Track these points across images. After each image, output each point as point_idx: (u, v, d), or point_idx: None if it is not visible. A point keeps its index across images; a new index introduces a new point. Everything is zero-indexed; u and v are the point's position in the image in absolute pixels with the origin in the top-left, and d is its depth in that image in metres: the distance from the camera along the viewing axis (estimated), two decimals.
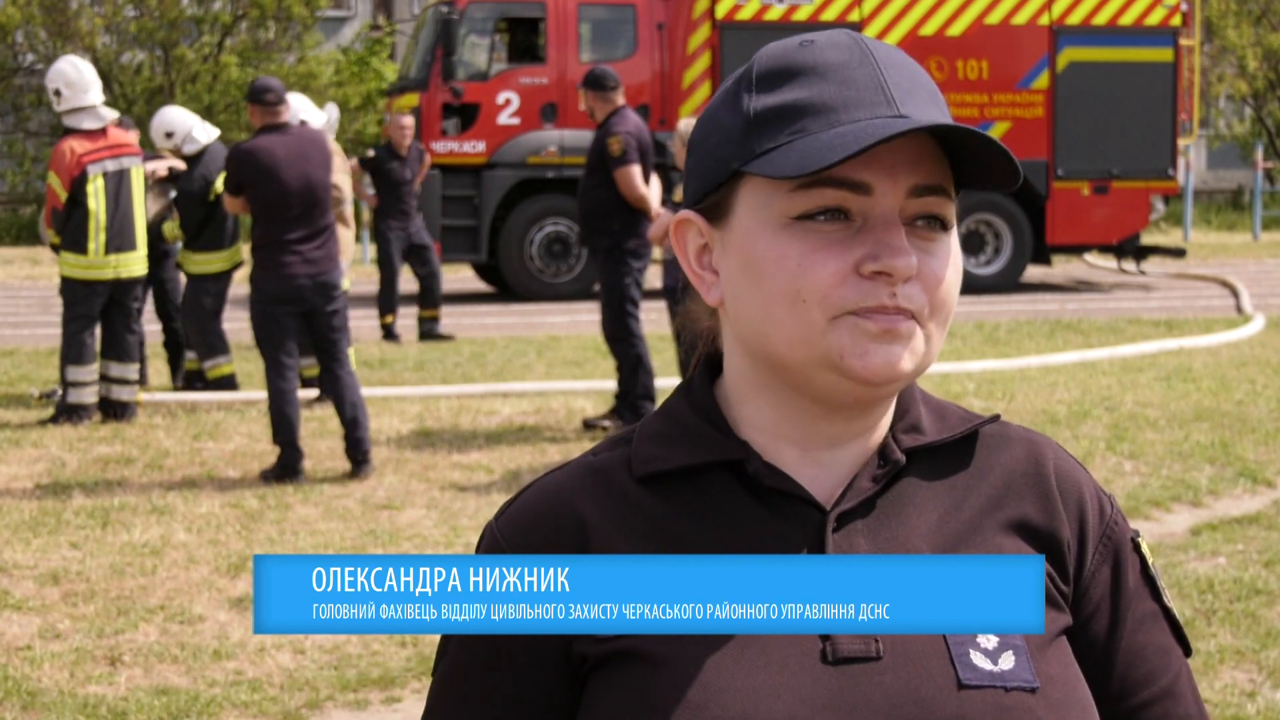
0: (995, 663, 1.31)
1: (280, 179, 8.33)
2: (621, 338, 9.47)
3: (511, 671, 1.36)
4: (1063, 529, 1.40)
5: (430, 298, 14.62)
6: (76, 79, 10.03)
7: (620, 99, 9.59)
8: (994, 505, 1.39)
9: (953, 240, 1.35)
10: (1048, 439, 1.45)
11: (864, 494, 1.35)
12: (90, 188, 9.91)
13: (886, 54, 1.37)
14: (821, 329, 1.31)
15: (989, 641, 1.32)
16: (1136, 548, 1.44)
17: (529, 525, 1.38)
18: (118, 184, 10.04)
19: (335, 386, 8.51)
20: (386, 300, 14.51)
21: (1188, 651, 1.46)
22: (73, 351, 10.08)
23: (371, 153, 14.47)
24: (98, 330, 10.22)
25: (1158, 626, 1.43)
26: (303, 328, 8.62)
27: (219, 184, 11.10)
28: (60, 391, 10.57)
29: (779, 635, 1.29)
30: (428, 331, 14.54)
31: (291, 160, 8.38)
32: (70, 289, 10.08)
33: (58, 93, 10.10)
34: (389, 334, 14.48)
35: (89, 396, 10.11)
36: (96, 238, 9.94)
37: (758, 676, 1.29)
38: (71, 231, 9.95)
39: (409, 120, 14.35)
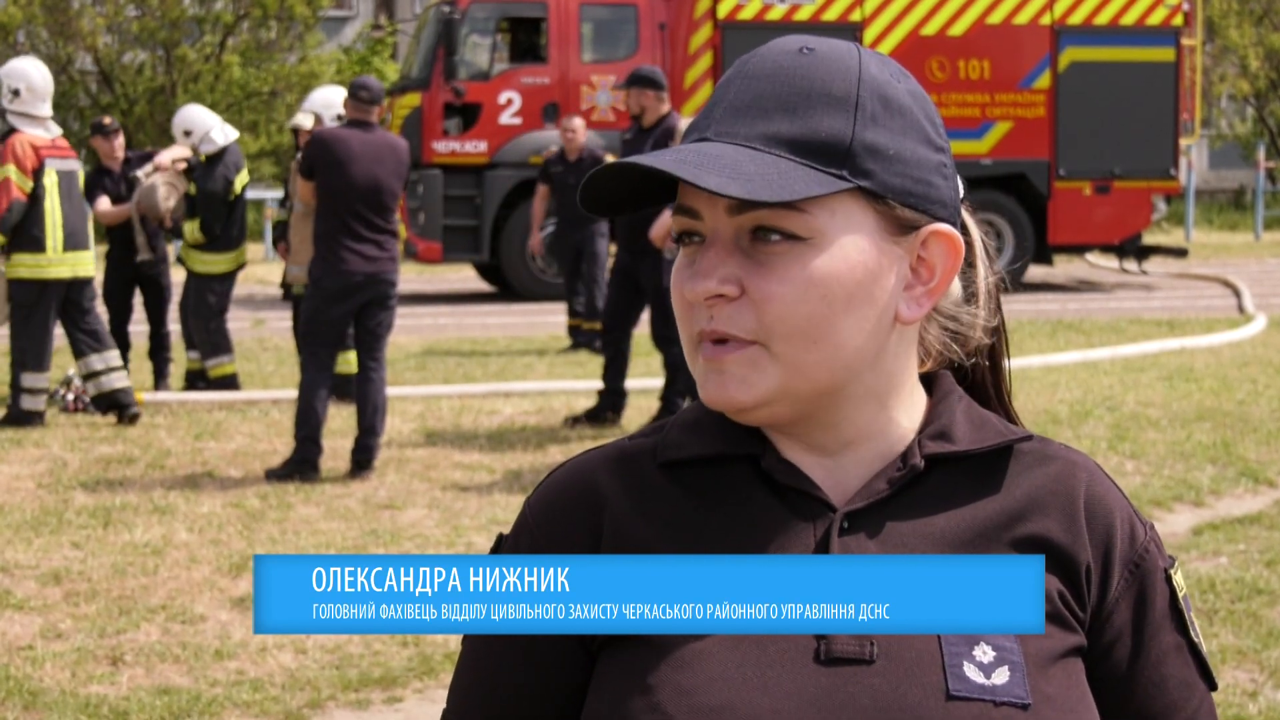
0: (988, 676, 1.29)
1: (348, 172, 8.38)
2: (673, 338, 9.54)
3: (528, 644, 1.39)
4: (1084, 552, 1.37)
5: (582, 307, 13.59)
6: (40, 86, 10.04)
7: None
8: (1013, 520, 1.37)
9: (806, 252, 1.30)
10: (1088, 462, 1.42)
11: (876, 495, 1.35)
12: (47, 182, 9.87)
13: (771, 64, 1.34)
14: (691, 355, 1.36)
15: (985, 654, 1.30)
16: (1168, 579, 1.41)
17: (553, 494, 1.42)
18: (69, 183, 10.03)
19: (365, 386, 8.56)
20: (568, 303, 13.70)
21: (1212, 686, 1.44)
22: (31, 357, 9.87)
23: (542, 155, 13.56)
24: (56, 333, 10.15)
25: (1182, 660, 1.41)
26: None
27: (238, 184, 11.13)
28: (62, 391, 10.57)
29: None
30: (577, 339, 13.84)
31: (364, 157, 8.43)
32: (24, 290, 9.84)
33: (16, 92, 10.02)
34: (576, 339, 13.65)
35: (41, 404, 10.01)
36: (54, 235, 9.88)
37: (749, 669, 1.29)
38: (28, 230, 9.79)
39: (577, 123, 13.20)
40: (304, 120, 11.05)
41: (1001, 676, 1.29)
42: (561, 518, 1.40)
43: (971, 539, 1.35)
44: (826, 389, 1.34)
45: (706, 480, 1.39)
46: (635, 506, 1.39)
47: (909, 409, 1.39)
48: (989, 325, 1.46)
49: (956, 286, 1.43)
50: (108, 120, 11.64)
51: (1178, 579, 1.42)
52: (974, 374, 1.48)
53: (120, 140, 11.55)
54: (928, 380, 1.43)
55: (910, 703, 1.28)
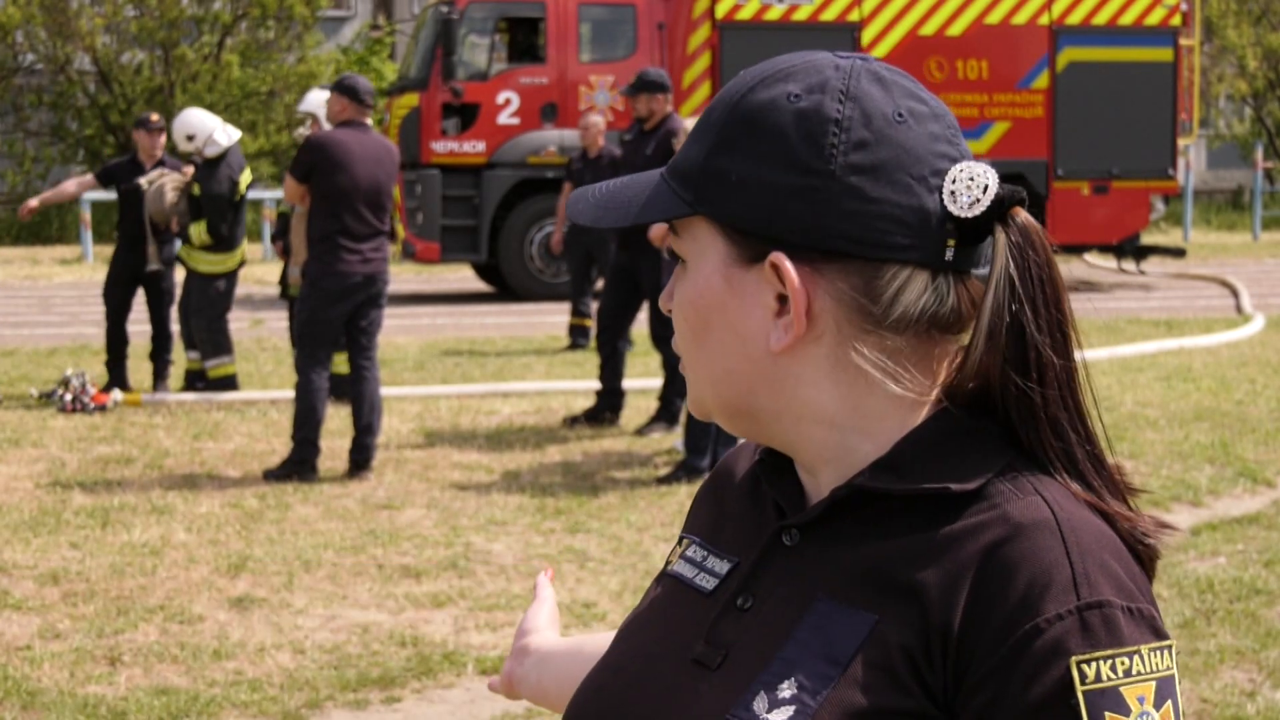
0: (770, 710, 1.27)
1: (350, 173, 8.40)
2: (670, 338, 9.55)
3: None
4: (952, 613, 1.25)
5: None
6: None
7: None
8: (902, 562, 1.28)
9: (682, 275, 1.37)
10: (1035, 518, 1.27)
11: (808, 518, 1.34)
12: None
13: (726, 88, 1.38)
14: None
15: (786, 690, 1.27)
16: (1068, 670, 1.22)
17: None
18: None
19: (359, 385, 8.57)
20: (573, 302, 13.71)
21: None
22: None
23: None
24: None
25: None
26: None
27: (243, 184, 11.12)
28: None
29: (698, 618, 1.37)
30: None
31: (365, 159, 8.46)
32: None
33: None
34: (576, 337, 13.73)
35: None
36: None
37: (650, 641, 1.39)
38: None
39: (595, 120, 12.78)
40: (305, 130, 11.08)
41: (780, 714, 1.26)
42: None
43: (861, 574, 1.30)
44: (731, 408, 1.37)
45: (759, 477, 1.44)
46: (716, 489, 1.50)
47: (882, 437, 1.33)
48: (979, 362, 1.31)
49: (914, 310, 1.32)
50: (155, 117, 11.65)
51: (1087, 672, 1.22)
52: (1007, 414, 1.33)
53: (162, 139, 11.55)
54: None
55: (690, 712, 1.30)
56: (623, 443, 9.49)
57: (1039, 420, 1.32)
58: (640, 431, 9.69)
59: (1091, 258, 21.65)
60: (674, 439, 9.35)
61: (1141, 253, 19.62)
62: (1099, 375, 11.71)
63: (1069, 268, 21.73)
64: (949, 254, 1.32)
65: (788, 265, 1.30)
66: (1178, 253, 20.57)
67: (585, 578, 6.62)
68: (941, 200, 1.32)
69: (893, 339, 1.32)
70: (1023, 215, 1.34)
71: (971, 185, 1.32)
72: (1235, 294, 17.64)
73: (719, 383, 1.36)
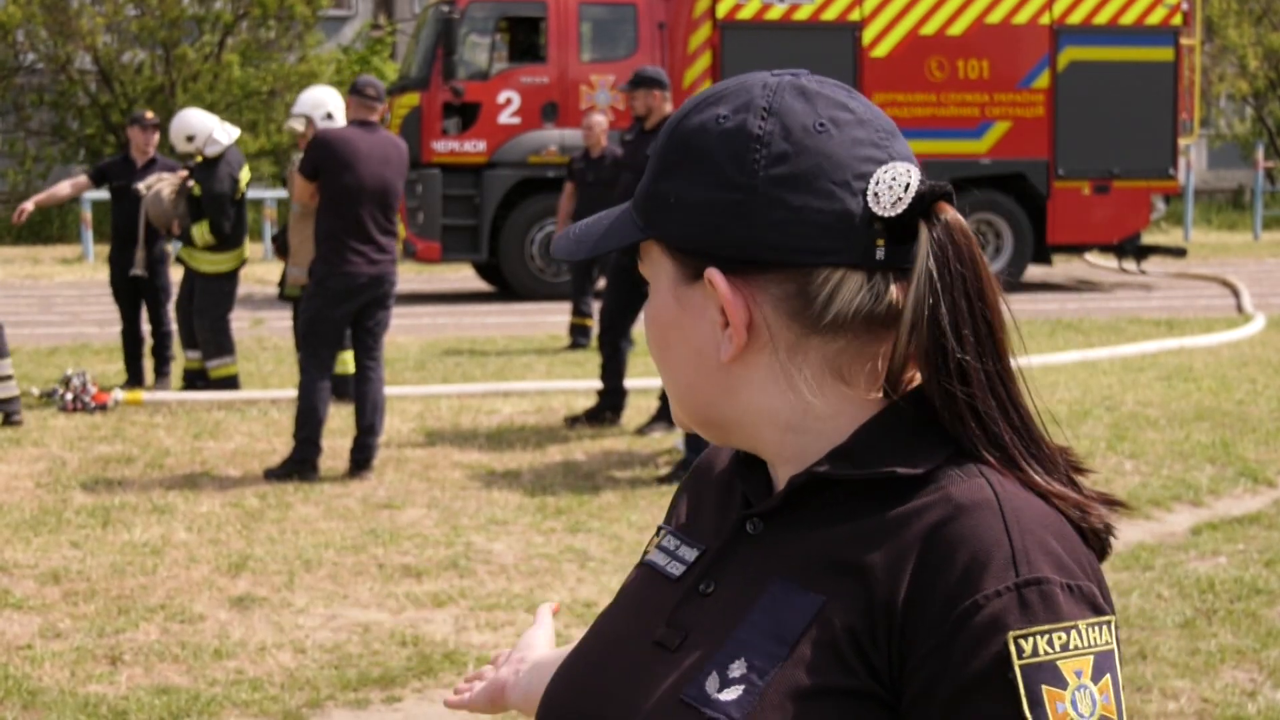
0: (721, 690, 1.30)
1: (356, 172, 8.38)
2: None
3: None
4: (895, 592, 1.28)
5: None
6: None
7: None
8: (848, 544, 1.32)
9: (654, 295, 1.41)
10: (977, 498, 1.31)
11: (769, 506, 1.39)
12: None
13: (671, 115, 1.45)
14: None
15: (736, 670, 1.31)
16: (1005, 645, 1.24)
17: None
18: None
19: (363, 385, 8.56)
20: (574, 302, 13.77)
21: None
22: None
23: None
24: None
25: None
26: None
27: (243, 182, 11.12)
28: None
29: (663, 603, 1.41)
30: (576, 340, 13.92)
31: (371, 158, 8.43)
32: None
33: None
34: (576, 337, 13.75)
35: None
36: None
37: (619, 626, 1.44)
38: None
39: (598, 120, 12.97)
40: (296, 124, 11.06)
41: (730, 694, 1.30)
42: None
43: (815, 558, 1.34)
44: (700, 419, 1.42)
45: (734, 471, 1.49)
46: (696, 483, 1.54)
47: (835, 434, 1.37)
48: (905, 354, 1.35)
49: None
50: (150, 114, 11.67)
51: (1024, 648, 1.24)
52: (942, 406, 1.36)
53: (155, 137, 11.57)
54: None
55: (643, 691, 1.34)
56: (624, 442, 9.49)
57: (962, 410, 1.35)
58: (641, 431, 9.70)
59: (1092, 257, 21.65)
60: (675, 438, 9.36)
61: (1142, 252, 19.62)
62: (1100, 375, 11.72)
63: (1069, 267, 21.75)
64: (880, 253, 1.35)
65: (719, 279, 1.35)
66: (1178, 252, 20.57)
67: (586, 577, 6.62)
68: (865, 202, 1.34)
69: (833, 340, 1.36)
70: (949, 212, 1.36)
71: (894, 185, 1.34)
72: (1236, 294, 17.64)
73: (685, 396, 1.42)
